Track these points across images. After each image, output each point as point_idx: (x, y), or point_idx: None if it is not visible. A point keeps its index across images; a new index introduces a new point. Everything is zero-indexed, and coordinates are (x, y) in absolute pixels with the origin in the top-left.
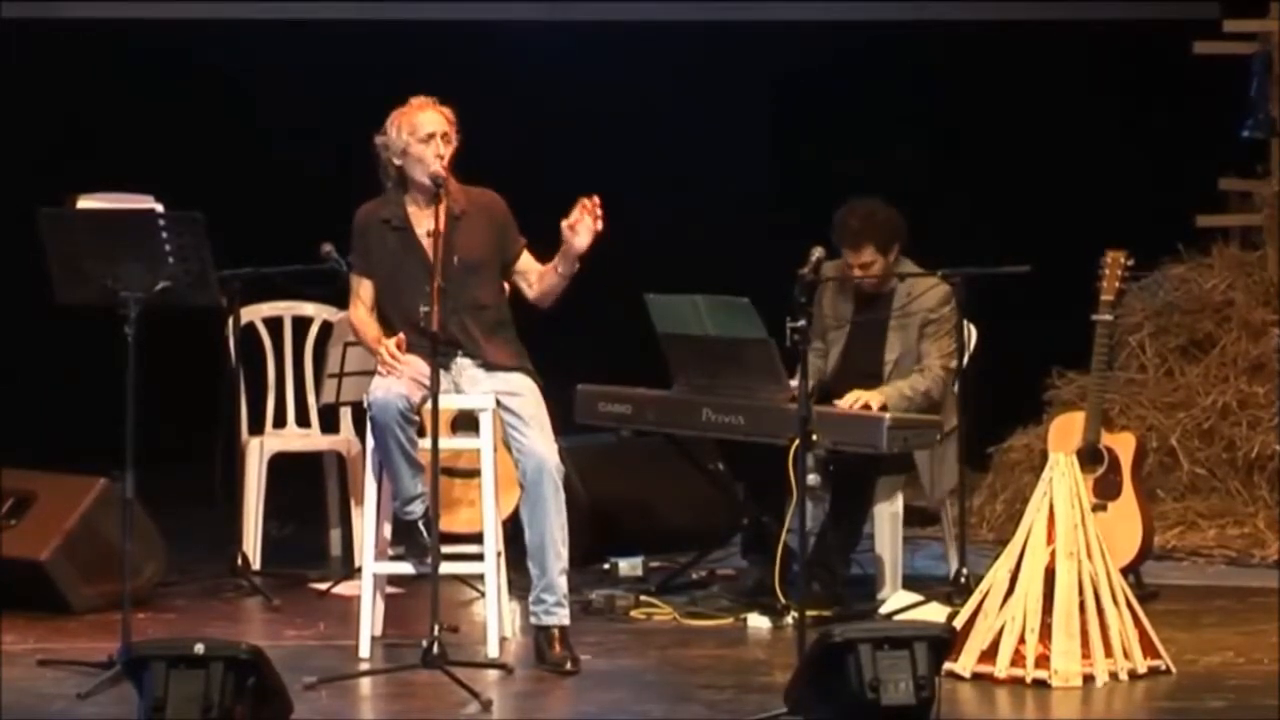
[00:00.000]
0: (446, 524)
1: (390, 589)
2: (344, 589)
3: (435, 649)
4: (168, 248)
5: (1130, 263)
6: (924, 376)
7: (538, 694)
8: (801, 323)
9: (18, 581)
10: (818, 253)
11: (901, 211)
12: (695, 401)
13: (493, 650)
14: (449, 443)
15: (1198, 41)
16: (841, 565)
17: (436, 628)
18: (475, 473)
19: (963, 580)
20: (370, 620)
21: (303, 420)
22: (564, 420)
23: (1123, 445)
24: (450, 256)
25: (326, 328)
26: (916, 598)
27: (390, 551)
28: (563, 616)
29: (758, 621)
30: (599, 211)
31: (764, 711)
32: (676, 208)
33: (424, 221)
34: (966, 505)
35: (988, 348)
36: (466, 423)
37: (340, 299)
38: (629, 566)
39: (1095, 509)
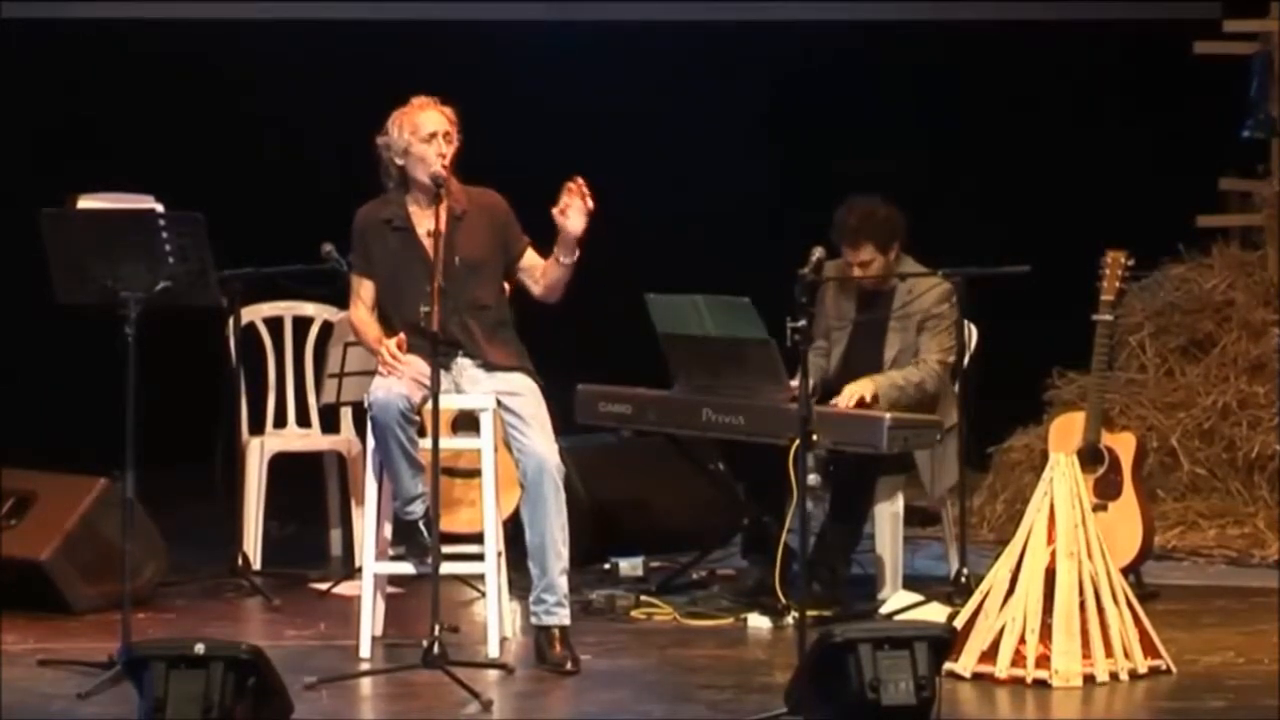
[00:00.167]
0: (447, 524)
1: (391, 589)
2: (344, 589)
3: (436, 649)
4: (168, 248)
5: (1130, 263)
6: (918, 369)
7: (538, 694)
8: (802, 323)
9: (18, 581)
10: (818, 253)
11: (902, 211)
12: (696, 401)
13: (493, 650)
14: (449, 443)
15: (1198, 41)
16: (842, 565)
17: (437, 628)
18: (476, 473)
19: (963, 580)
20: (371, 620)
21: (303, 420)
22: (564, 420)
23: (1123, 445)
24: (451, 256)
25: (327, 328)
26: (917, 598)
27: (391, 551)
28: (563, 616)
29: (758, 621)
30: (586, 190)
31: (764, 711)
32: (676, 208)
33: (425, 221)
34: (967, 505)
35: (988, 348)
36: (467, 423)
37: (341, 299)
38: (629, 566)
39: (1096, 509)
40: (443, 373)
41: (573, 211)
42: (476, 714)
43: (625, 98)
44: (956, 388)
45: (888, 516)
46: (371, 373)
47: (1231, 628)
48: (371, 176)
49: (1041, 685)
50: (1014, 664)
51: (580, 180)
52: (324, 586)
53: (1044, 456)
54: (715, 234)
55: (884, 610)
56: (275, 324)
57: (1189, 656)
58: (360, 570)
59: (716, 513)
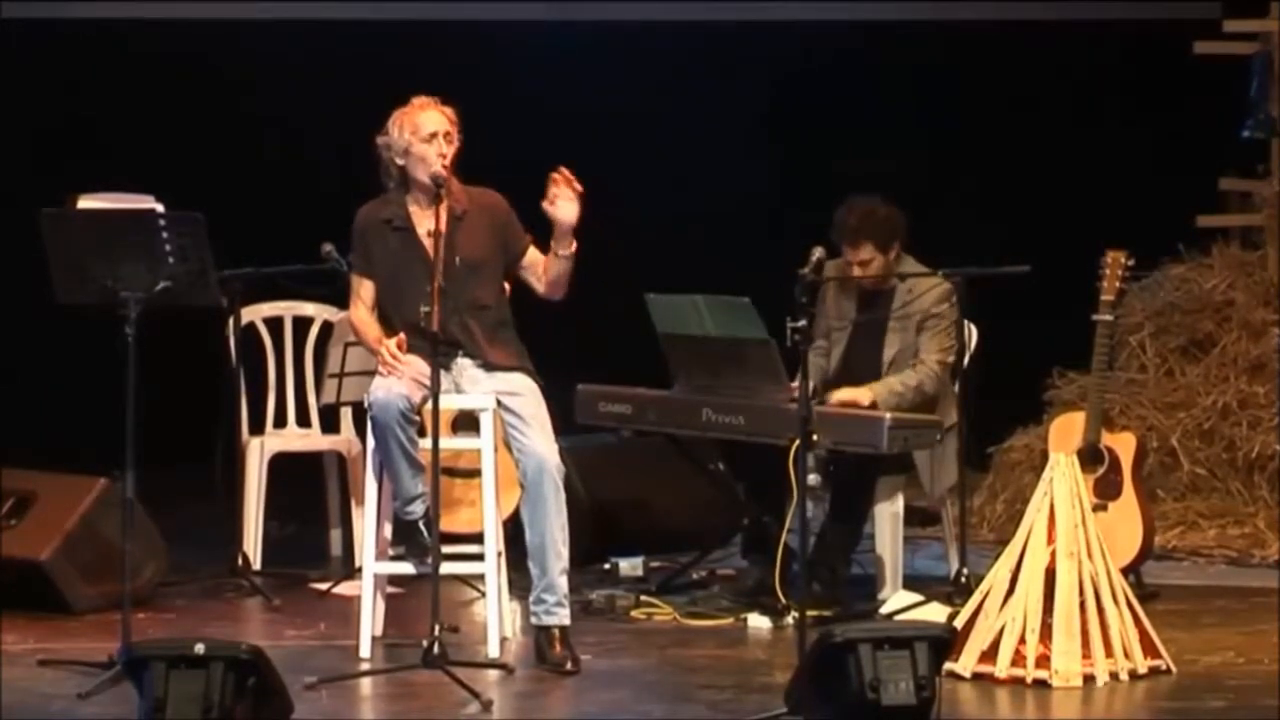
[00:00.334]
0: (447, 524)
1: (391, 589)
2: (344, 589)
3: (436, 649)
4: (168, 248)
5: (1130, 263)
6: (916, 371)
7: (538, 694)
8: (802, 323)
9: (18, 581)
10: (818, 253)
11: (902, 211)
12: (696, 401)
13: (493, 650)
14: (449, 443)
15: (1198, 41)
16: (842, 565)
17: (437, 628)
18: (476, 473)
19: (963, 580)
20: (371, 620)
21: (303, 420)
22: (564, 420)
23: (1123, 445)
24: (452, 256)
25: (327, 328)
26: (917, 598)
27: (391, 551)
28: (563, 616)
29: (758, 621)
30: (571, 176)
31: (764, 711)
32: (676, 208)
33: (425, 221)
34: (967, 505)
35: (988, 348)
36: (467, 423)
37: (341, 299)
38: (629, 566)
39: (1096, 509)
40: (443, 373)
41: (561, 201)
42: (476, 714)
43: (625, 98)
44: (956, 388)
45: (888, 516)
46: (371, 373)
47: (1231, 628)
48: (371, 176)
49: (1041, 685)
50: (1014, 664)
51: (564, 169)
52: (324, 586)
53: (1044, 456)
54: (715, 234)
55: (884, 610)
56: (275, 324)
57: (1189, 656)
58: (360, 570)
59: (716, 513)
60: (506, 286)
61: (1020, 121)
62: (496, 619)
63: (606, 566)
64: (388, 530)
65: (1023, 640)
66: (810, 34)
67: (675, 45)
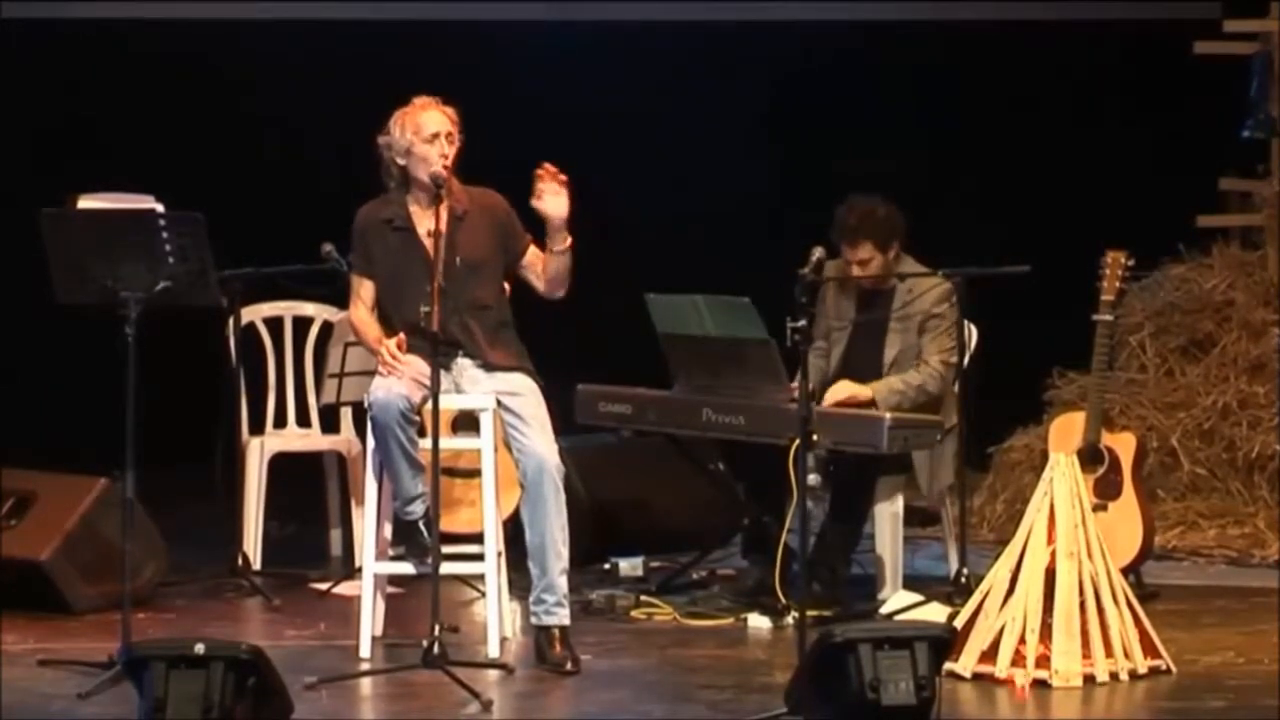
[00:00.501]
0: (447, 524)
1: (391, 589)
2: (344, 589)
3: (436, 649)
4: (168, 248)
5: (1130, 263)
6: (919, 372)
7: (538, 694)
8: (802, 323)
9: (18, 581)
10: (818, 253)
11: (902, 211)
12: (696, 401)
13: (493, 650)
14: (449, 443)
15: (1198, 41)
16: (842, 565)
17: (437, 628)
18: (476, 473)
19: (963, 580)
20: (371, 620)
21: (303, 420)
22: (564, 420)
23: (1123, 445)
24: (452, 257)
25: (327, 328)
26: (917, 598)
27: (391, 551)
28: (563, 616)
29: (758, 621)
30: (555, 171)
31: (764, 711)
32: (676, 208)
33: (426, 221)
34: (967, 505)
35: (988, 348)
36: (467, 423)
37: (341, 299)
38: (629, 566)
39: (1096, 509)
40: (443, 373)
41: (548, 196)
42: (476, 714)
43: (625, 98)
44: (956, 388)
45: (888, 516)
46: (371, 373)
47: (1231, 628)
48: (372, 176)
49: (1042, 685)
50: (1014, 664)
51: (548, 165)
52: (324, 586)
53: (1044, 456)
54: (715, 234)
55: (884, 610)
56: (275, 324)
57: (1189, 656)
58: (360, 570)
59: (716, 513)
60: (507, 286)
61: (1020, 121)
62: (496, 619)
63: (606, 566)
64: (388, 530)
65: (1023, 640)
66: (810, 34)
67: (675, 45)
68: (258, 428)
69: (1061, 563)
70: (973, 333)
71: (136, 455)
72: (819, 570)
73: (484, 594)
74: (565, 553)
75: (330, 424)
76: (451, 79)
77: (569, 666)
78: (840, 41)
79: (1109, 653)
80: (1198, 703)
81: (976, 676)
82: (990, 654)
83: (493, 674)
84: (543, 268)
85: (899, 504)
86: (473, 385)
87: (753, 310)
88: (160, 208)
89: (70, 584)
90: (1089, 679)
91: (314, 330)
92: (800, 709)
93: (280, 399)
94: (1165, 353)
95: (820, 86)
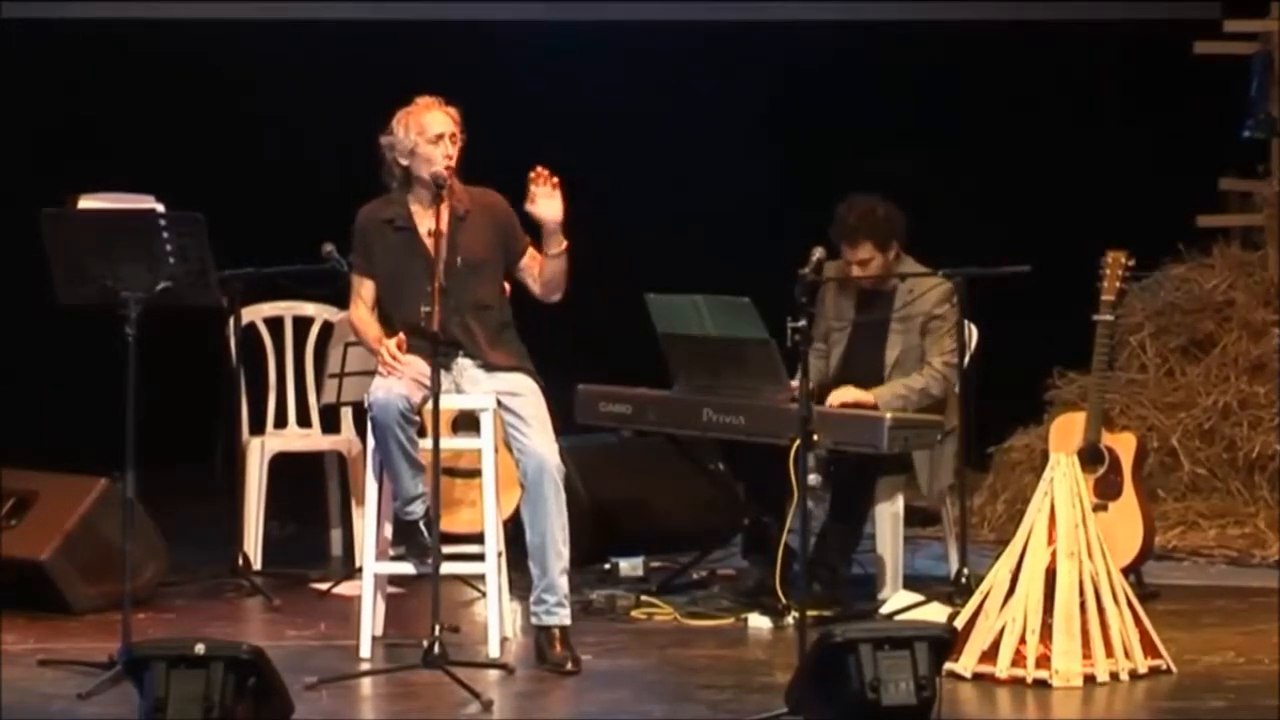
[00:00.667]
0: (447, 524)
1: (391, 589)
2: (345, 589)
3: (436, 649)
4: (168, 248)
5: (1131, 263)
6: (922, 375)
7: (538, 694)
8: (802, 323)
9: (18, 581)
10: (818, 253)
11: (902, 211)
12: (696, 401)
13: (493, 650)
14: (450, 443)
15: (1198, 41)
16: (842, 565)
17: (437, 628)
18: (476, 473)
19: (963, 580)
20: (371, 620)
21: (303, 420)
22: (564, 420)
23: (1123, 445)
24: (453, 257)
25: (327, 328)
26: (917, 598)
27: (391, 551)
28: (563, 616)
29: (758, 621)
30: (547, 173)
31: (765, 711)
32: (676, 208)
33: (427, 221)
34: (967, 505)
35: (988, 348)
36: (467, 423)
37: (341, 299)
38: (630, 566)
39: (1096, 509)
40: (443, 373)
41: (542, 199)
42: (476, 714)
43: (625, 98)
44: (956, 388)
45: (888, 516)
46: (371, 373)
47: (1231, 628)
48: (372, 176)
49: (1042, 685)
50: (1014, 664)
51: (540, 168)
52: (324, 586)
53: (1044, 456)
54: (715, 234)
55: (884, 610)
56: (275, 324)
57: (1189, 656)
58: (360, 570)
59: (716, 513)
60: (507, 287)
61: (1020, 121)
62: (497, 619)
63: (606, 566)
64: (388, 530)
65: (1023, 640)
66: (810, 34)
67: (675, 45)
68: (258, 428)
69: (1062, 563)
70: (973, 333)
71: (136, 455)
72: (819, 570)
73: (484, 594)
74: (565, 553)
75: (330, 424)
76: (451, 79)
77: (569, 666)
78: (840, 41)
79: (1109, 653)
80: (1198, 703)
81: (977, 676)
82: (991, 654)
83: (493, 674)
84: (538, 271)
85: (899, 504)
86: (473, 385)
87: (753, 310)
88: (160, 208)
89: (70, 584)
90: (1089, 679)
91: (314, 330)
92: (800, 709)
93: (280, 399)
94: (1165, 353)
95: (820, 86)
